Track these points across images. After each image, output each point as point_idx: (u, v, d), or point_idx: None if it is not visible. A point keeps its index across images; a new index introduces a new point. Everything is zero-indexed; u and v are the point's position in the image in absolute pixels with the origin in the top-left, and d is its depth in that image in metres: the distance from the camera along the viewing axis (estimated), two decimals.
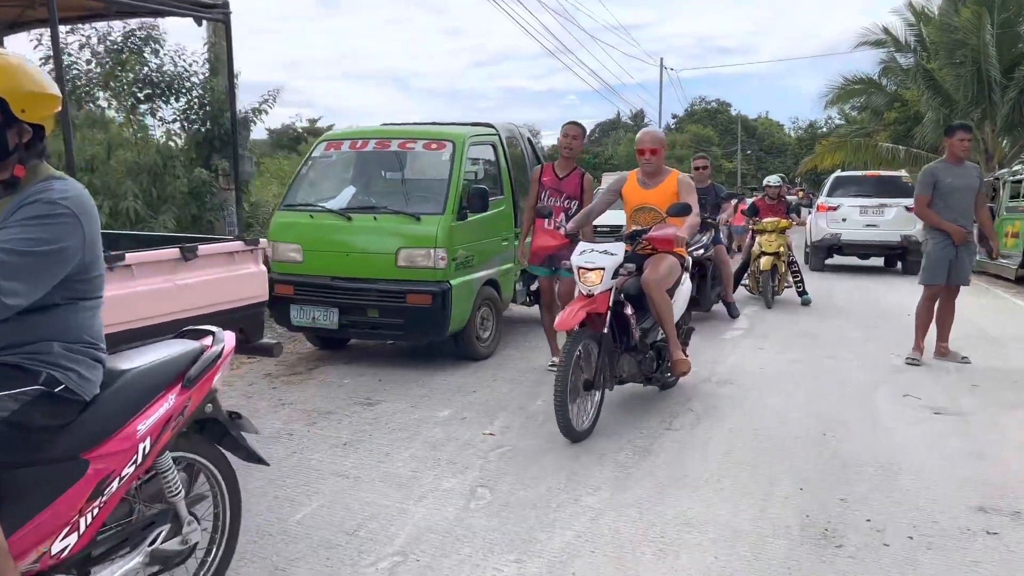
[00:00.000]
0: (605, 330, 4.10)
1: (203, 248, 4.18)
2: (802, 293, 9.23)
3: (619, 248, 4.22)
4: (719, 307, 8.18)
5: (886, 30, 21.18)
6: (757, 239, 9.06)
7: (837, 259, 14.67)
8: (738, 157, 56.19)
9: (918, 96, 20.55)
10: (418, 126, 6.63)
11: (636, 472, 3.75)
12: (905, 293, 10.73)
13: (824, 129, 50.59)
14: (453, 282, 5.56)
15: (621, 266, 4.18)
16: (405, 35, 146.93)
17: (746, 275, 9.43)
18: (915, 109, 21.68)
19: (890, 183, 14.00)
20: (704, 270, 7.32)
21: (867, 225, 13.37)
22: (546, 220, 5.30)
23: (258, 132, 9.11)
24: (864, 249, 13.83)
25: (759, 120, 69.47)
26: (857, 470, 3.77)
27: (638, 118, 58.54)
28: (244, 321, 4.30)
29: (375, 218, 5.69)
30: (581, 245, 4.32)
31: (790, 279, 9.24)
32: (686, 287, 4.81)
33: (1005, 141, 19.13)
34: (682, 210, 4.34)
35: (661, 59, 31.61)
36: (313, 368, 5.89)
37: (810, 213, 14.29)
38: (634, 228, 4.57)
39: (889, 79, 23.10)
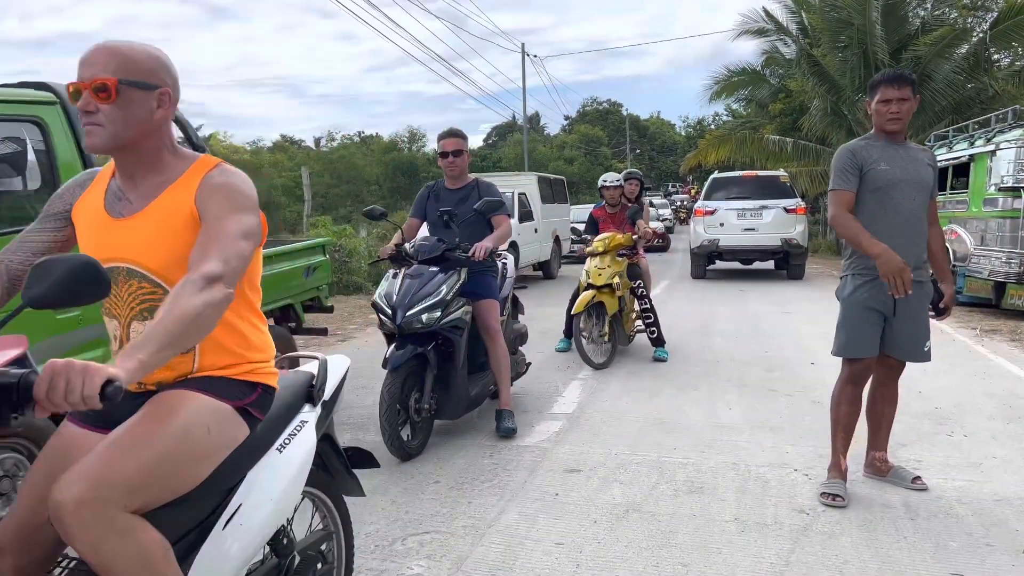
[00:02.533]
0: None
1: None
2: (656, 343, 6.39)
3: None
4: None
5: (767, 12, 19.48)
6: (586, 266, 6.24)
7: (720, 264, 13.99)
8: (627, 156, 54.89)
9: (803, 86, 18.98)
10: None
11: None
12: (801, 319, 8.43)
13: (712, 126, 49.88)
14: None
15: None
16: (299, 41, 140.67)
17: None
18: (800, 100, 20.21)
19: (769, 184, 13.26)
20: (450, 347, 4.19)
21: (745, 229, 12.65)
22: None
23: None
24: (744, 254, 13.21)
25: (651, 120, 69.14)
26: None
27: (533, 121, 56.44)
28: None
29: None
30: None
31: (641, 323, 6.44)
32: (292, 463, 1.82)
33: None
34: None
35: (523, 44, 29.80)
36: None
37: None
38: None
39: (772, 70, 21.93)
